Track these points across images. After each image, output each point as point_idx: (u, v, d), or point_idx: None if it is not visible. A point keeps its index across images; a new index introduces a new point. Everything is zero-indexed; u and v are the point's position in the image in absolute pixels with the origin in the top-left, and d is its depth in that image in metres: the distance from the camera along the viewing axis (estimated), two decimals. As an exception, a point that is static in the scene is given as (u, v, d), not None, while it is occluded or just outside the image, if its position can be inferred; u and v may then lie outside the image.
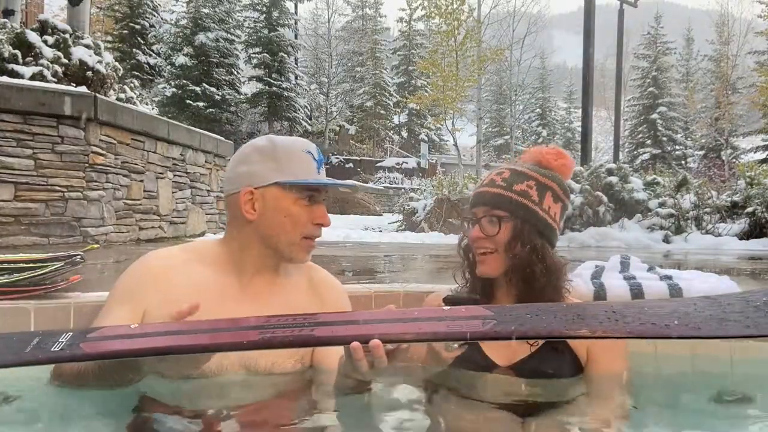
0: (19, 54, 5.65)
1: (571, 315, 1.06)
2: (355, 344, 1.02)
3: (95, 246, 2.96)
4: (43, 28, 6.28)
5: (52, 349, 1.03)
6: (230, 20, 29.56)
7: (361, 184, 22.90)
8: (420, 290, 1.99)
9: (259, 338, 1.02)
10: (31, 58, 5.76)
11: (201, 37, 27.39)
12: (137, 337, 1.03)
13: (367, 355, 1.04)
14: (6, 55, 5.52)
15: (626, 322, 1.02)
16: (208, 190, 6.82)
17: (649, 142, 31.72)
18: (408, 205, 11.18)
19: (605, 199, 7.18)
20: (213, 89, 27.61)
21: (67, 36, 6.26)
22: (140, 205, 5.41)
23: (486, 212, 1.41)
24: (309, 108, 34.18)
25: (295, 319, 1.07)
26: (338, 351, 1.16)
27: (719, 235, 6.85)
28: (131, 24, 27.38)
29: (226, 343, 1.03)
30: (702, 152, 29.74)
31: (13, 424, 1.20)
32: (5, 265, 1.68)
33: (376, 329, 1.04)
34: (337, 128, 33.72)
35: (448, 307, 1.09)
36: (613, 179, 7.43)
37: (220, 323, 1.06)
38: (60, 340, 1.04)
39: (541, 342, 1.38)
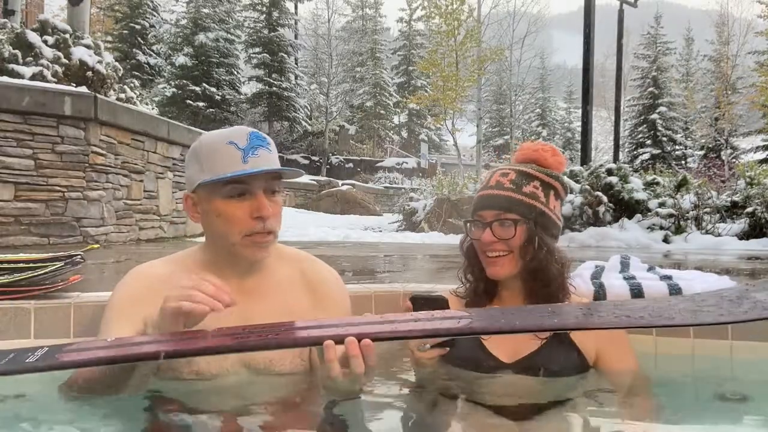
0: (19, 54, 5.64)
1: (545, 312, 1.09)
2: (328, 342, 1.01)
3: (95, 246, 2.96)
4: (43, 28, 6.28)
5: (26, 360, 1.03)
6: (230, 20, 29.54)
7: (361, 183, 22.89)
8: (420, 290, 1.97)
9: (233, 342, 1.04)
10: (31, 58, 5.76)
11: (201, 37, 27.38)
12: (114, 348, 1.05)
13: (342, 362, 1.02)
14: (6, 55, 5.51)
15: (600, 316, 1.05)
16: (208, 190, 6.81)
17: (649, 142, 31.66)
18: (408, 205, 11.18)
19: (605, 199, 7.17)
20: (213, 89, 27.59)
21: (67, 36, 6.25)
22: (140, 205, 5.41)
23: (497, 216, 1.40)
24: (309, 108, 34.12)
25: (273, 326, 1.09)
26: None
27: (719, 235, 6.84)
28: (131, 24, 27.37)
29: (202, 348, 1.04)
30: (702, 152, 29.64)
31: (26, 423, 1.20)
32: (5, 265, 1.68)
33: (350, 330, 1.04)
34: (337, 128, 33.67)
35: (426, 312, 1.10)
36: (613, 179, 7.42)
37: (195, 333, 1.07)
38: (35, 354, 1.06)
39: (547, 338, 1.38)
